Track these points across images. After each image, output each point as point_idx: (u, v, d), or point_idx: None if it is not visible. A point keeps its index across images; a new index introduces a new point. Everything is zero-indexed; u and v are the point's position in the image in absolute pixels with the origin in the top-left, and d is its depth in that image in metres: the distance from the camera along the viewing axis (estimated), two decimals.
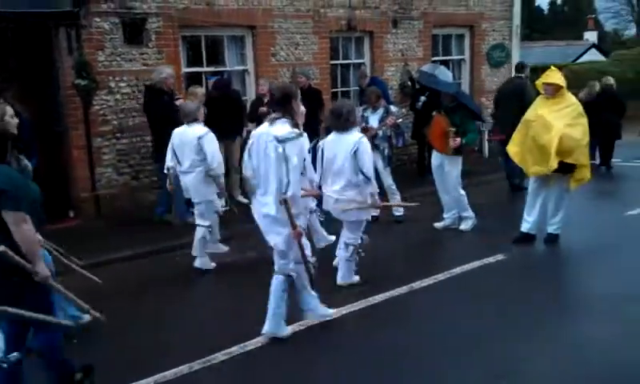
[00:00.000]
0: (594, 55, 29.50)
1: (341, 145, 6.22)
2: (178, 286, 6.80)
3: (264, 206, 5.09)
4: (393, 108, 9.29)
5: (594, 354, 4.91)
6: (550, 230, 7.78)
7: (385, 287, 6.35)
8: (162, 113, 8.27)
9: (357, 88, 12.14)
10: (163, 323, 5.84)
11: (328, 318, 5.61)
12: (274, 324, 5.26)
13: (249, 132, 10.18)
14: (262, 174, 5.07)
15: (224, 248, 7.66)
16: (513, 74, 12.39)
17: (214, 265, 7.21)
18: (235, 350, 5.13)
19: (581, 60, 28.02)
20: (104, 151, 9.12)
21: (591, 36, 33.41)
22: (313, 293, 5.49)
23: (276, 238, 5.12)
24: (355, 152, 6.10)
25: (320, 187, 6.18)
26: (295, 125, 5.02)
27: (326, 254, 6.66)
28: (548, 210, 7.78)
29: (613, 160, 13.27)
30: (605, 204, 9.96)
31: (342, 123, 6.24)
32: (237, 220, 7.84)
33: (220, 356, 5.04)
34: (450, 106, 8.34)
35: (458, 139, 8.07)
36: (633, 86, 24.02)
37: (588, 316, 5.68)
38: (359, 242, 6.47)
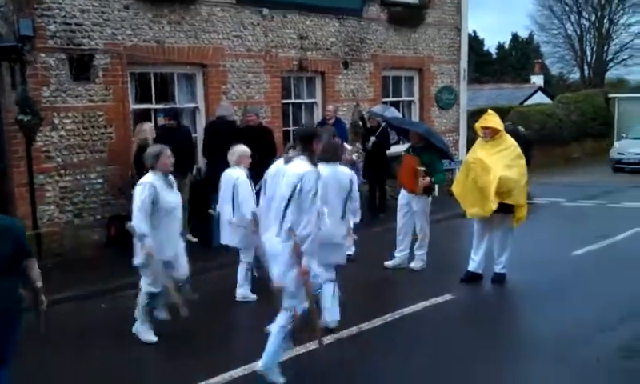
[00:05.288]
0: (540, 98, 30.48)
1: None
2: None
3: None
4: (347, 146, 9.35)
5: None
6: (497, 269, 7.87)
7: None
8: None
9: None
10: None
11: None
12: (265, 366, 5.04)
13: (199, 169, 10.21)
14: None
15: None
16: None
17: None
18: None
19: (528, 102, 28.91)
20: (47, 189, 8.85)
21: (538, 79, 34.56)
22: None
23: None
24: None
25: None
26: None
27: None
28: (494, 250, 7.87)
29: (559, 200, 13.75)
30: (552, 243, 10.13)
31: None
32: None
33: None
34: (418, 146, 8.42)
35: (428, 178, 8.15)
36: (577, 127, 24.95)
37: (534, 357, 5.69)
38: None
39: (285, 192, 4.97)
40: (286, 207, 4.94)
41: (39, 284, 4.52)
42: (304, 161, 5.05)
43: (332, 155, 6.20)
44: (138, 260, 5.97)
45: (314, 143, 5.17)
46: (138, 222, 5.79)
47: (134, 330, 6.16)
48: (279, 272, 5.03)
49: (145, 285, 6.05)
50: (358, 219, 6.49)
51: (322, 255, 5.53)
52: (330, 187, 5.91)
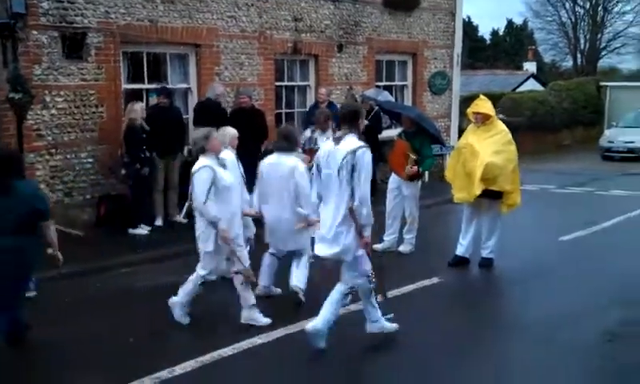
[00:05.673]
0: (533, 85, 30.55)
1: None
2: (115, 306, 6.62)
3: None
4: None
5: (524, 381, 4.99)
6: (484, 254, 7.95)
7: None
8: None
9: (301, 109, 12.23)
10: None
11: (391, 331, 5.68)
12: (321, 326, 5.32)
13: (189, 150, 10.19)
14: None
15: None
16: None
17: None
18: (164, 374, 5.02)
19: (520, 89, 28.97)
20: (37, 167, 8.83)
21: (531, 66, 34.64)
22: (376, 305, 5.61)
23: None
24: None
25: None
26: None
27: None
28: (482, 235, 7.95)
29: (548, 187, 13.78)
30: (540, 229, 10.22)
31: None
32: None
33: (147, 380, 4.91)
34: (410, 131, 8.46)
35: (415, 168, 8.21)
36: (568, 115, 25.03)
37: (521, 340, 5.79)
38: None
39: (341, 169, 5.12)
40: (345, 183, 5.12)
41: (54, 242, 5.35)
42: (354, 137, 5.23)
43: (290, 145, 6.47)
44: (209, 247, 5.88)
45: (359, 120, 5.42)
46: (207, 207, 5.66)
47: (169, 302, 6.08)
48: (339, 246, 5.25)
49: (201, 270, 6.00)
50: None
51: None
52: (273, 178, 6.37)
